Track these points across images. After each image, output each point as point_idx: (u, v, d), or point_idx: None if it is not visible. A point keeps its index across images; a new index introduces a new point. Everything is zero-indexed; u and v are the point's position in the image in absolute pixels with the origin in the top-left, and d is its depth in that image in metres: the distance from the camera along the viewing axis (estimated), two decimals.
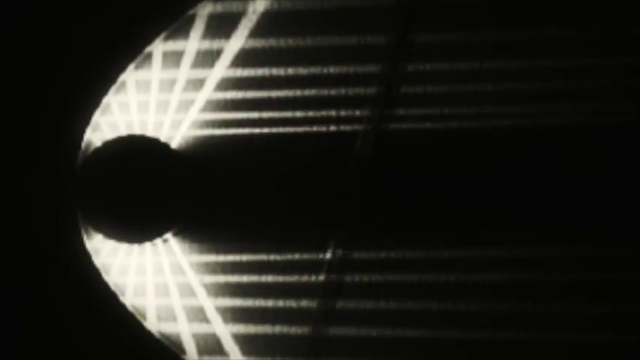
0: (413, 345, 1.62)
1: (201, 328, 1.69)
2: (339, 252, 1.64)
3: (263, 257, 1.67)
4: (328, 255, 1.64)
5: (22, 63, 1.69)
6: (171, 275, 1.69)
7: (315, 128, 1.67)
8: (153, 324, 1.69)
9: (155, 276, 1.70)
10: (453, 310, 1.61)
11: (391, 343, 1.63)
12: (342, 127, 1.66)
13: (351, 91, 1.66)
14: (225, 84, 1.69)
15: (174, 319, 1.69)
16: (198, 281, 1.69)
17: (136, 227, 1.62)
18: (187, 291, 1.69)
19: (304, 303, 1.65)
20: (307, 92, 1.67)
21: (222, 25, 1.69)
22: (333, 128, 1.66)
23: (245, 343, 1.68)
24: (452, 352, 1.61)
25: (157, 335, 1.68)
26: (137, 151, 1.63)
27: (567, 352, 1.58)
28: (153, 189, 1.61)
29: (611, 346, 1.57)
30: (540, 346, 1.59)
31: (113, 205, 1.61)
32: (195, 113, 1.69)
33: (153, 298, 1.69)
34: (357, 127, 1.65)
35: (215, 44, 1.69)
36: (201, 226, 1.69)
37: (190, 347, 1.69)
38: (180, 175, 1.65)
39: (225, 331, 1.68)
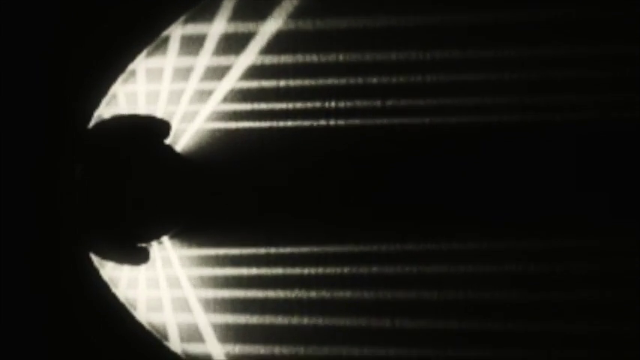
0: (412, 336, 1.62)
1: (185, 318, 1.71)
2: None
3: (261, 251, 1.68)
4: (328, 248, 1.66)
5: (25, 58, 1.71)
6: (161, 269, 1.72)
7: (317, 123, 1.66)
8: (142, 314, 1.74)
9: (147, 271, 1.73)
10: (452, 301, 1.60)
11: (389, 333, 1.63)
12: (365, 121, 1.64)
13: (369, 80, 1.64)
14: (252, 72, 1.65)
15: (161, 309, 1.72)
16: (185, 275, 1.71)
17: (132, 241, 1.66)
18: (175, 284, 1.72)
19: (301, 294, 1.66)
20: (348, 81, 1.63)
21: (256, 6, 1.63)
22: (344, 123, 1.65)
23: (229, 331, 1.70)
24: (451, 343, 1.60)
25: (146, 325, 1.72)
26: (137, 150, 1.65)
27: (567, 344, 1.56)
28: (153, 193, 1.63)
29: (611, 337, 1.54)
30: (538, 337, 1.57)
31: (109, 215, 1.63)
32: (211, 105, 1.67)
33: (144, 291, 1.73)
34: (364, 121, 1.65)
35: (246, 27, 1.63)
36: (200, 226, 1.71)
37: (174, 335, 1.71)
38: (180, 175, 1.67)
39: (205, 321, 1.69)
